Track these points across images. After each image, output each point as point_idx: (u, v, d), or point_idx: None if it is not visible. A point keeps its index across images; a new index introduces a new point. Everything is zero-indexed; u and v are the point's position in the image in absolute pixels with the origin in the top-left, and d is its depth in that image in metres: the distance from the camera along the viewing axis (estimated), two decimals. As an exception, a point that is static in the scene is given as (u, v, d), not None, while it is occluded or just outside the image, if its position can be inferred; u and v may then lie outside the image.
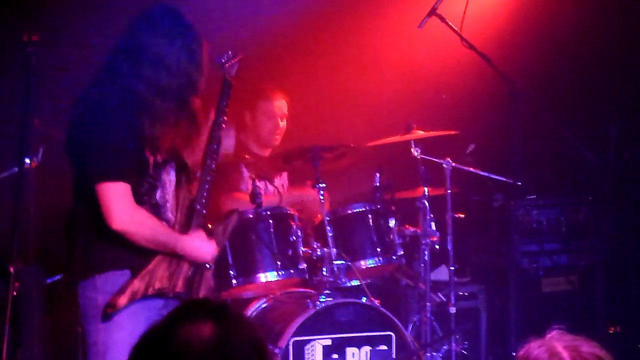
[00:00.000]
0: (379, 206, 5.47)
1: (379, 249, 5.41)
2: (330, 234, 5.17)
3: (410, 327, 5.80)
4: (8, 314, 3.63)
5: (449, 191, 5.61)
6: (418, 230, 5.55)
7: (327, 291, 5.09)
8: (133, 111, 3.84)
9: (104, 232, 3.78)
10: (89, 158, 3.82)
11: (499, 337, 6.24)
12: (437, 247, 5.58)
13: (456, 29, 5.74)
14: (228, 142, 4.63)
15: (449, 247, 5.62)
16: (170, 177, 4.00)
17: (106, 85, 3.88)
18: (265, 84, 5.90)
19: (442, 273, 6.02)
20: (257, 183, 5.23)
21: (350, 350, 5.06)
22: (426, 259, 5.57)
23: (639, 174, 6.55)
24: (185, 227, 4.04)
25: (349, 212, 5.44)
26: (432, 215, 5.56)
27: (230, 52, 4.33)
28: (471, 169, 5.79)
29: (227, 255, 5.05)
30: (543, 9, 6.69)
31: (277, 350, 4.86)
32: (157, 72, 3.89)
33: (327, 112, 6.51)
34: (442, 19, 5.72)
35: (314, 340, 4.99)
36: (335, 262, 5.13)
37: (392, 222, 5.46)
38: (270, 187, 5.78)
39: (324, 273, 5.14)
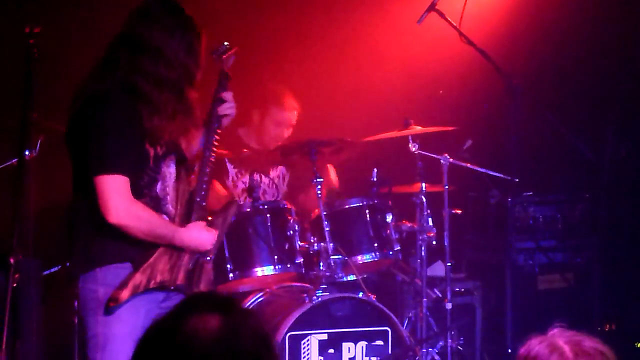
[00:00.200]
0: (376, 201, 5.46)
1: (375, 244, 5.41)
2: (327, 229, 5.15)
3: (405, 323, 5.80)
4: (7, 305, 3.63)
5: (446, 187, 5.61)
6: (415, 226, 5.55)
7: (323, 286, 5.09)
8: (132, 103, 3.84)
9: (104, 225, 3.77)
10: (88, 150, 3.81)
11: (495, 333, 6.24)
12: (434, 242, 5.58)
13: (455, 24, 5.73)
14: None
15: (446, 243, 5.62)
16: (170, 170, 4.00)
17: (106, 77, 3.88)
18: (282, 90, 5.85)
19: (438, 269, 6.02)
20: (255, 176, 5.22)
21: (346, 345, 5.06)
22: (423, 254, 5.57)
23: (635, 171, 6.57)
24: (185, 220, 4.04)
25: (346, 206, 5.43)
26: (429, 211, 5.56)
27: (226, 44, 4.31)
28: (468, 165, 5.78)
29: (224, 248, 5.04)
30: (542, 5, 6.70)
31: (273, 345, 4.84)
32: (156, 64, 3.89)
33: (326, 106, 6.50)
34: (441, 15, 5.71)
35: (310, 334, 4.99)
36: (332, 257, 5.12)
37: (389, 218, 5.45)
38: (265, 179, 5.78)
39: (321, 267, 5.13)
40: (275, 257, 5.14)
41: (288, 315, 4.93)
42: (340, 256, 5.15)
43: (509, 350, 5.88)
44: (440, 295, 5.80)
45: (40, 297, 5.04)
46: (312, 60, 6.53)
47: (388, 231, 5.45)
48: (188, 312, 1.88)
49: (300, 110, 5.82)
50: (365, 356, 5.07)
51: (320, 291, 5.04)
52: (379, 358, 5.07)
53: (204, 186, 4.10)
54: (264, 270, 5.15)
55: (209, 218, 4.17)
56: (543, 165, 6.90)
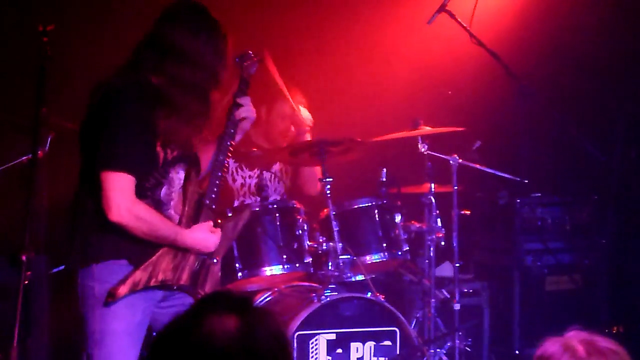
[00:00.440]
0: (385, 201, 5.46)
1: (384, 244, 5.41)
2: (336, 229, 5.15)
3: (413, 323, 5.80)
4: (19, 302, 3.63)
5: (455, 188, 5.61)
6: (424, 226, 5.55)
7: (332, 285, 5.08)
8: (151, 102, 3.84)
9: (105, 221, 3.77)
10: (98, 144, 3.81)
11: (503, 334, 6.25)
12: (442, 243, 5.58)
13: (465, 25, 5.73)
14: None
15: (455, 243, 5.62)
16: (179, 176, 4.00)
17: (128, 76, 3.88)
18: (286, 84, 5.85)
19: (446, 269, 6.02)
20: (264, 175, 5.22)
21: (354, 345, 5.06)
22: (431, 255, 5.57)
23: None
24: (193, 221, 4.03)
25: (355, 206, 5.43)
26: (438, 212, 5.56)
27: (250, 52, 4.33)
28: (477, 166, 5.79)
29: (233, 247, 5.05)
30: (552, 5, 6.68)
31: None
32: (179, 65, 3.90)
33: (336, 106, 6.50)
34: (452, 15, 5.70)
35: (318, 334, 4.99)
36: (340, 257, 5.11)
37: (398, 218, 5.45)
38: (266, 174, 5.79)
39: (329, 267, 5.13)
40: (284, 256, 5.15)
41: (296, 315, 4.93)
42: (348, 256, 5.15)
43: (517, 352, 5.88)
44: (449, 296, 5.79)
45: (50, 294, 5.05)
46: (322, 61, 6.54)
47: (397, 231, 5.45)
48: (205, 312, 1.88)
49: (309, 108, 5.81)
50: (373, 356, 5.07)
51: (329, 291, 5.04)
52: (387, 358, 5.07)
53: (215, 189, 4.09)
54: (273, 270, 5.16)
55: (219, 221, 4.15)
56: (552, 166, 6.89)
